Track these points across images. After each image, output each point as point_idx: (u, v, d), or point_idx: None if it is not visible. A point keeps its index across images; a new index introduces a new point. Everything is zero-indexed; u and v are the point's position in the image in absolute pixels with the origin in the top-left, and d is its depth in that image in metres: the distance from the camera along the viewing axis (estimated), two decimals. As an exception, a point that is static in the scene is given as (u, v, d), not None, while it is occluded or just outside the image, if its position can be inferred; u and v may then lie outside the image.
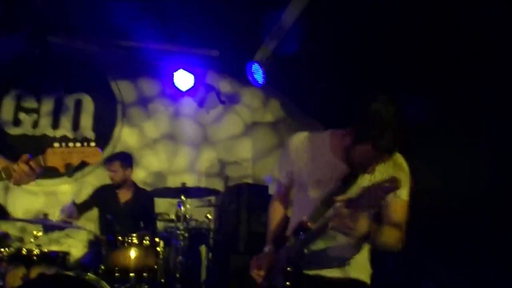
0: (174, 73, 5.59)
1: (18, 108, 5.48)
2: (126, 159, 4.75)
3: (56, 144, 2.16)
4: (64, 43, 5.45)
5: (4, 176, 2.16)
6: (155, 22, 4.98)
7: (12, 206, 4.40)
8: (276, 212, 2.56)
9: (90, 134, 5.57)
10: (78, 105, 5.63)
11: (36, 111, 5.52)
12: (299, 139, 2.39)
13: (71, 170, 2.22)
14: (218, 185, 5.57)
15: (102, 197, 4.68)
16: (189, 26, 5.15)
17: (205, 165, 5.86)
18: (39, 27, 5.15)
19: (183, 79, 5.61)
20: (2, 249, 3.81)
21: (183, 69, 5.58)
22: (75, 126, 5.59)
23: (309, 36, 4.58)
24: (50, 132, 5.50)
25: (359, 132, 2.07)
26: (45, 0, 4.69)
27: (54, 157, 2.14)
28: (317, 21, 4.39)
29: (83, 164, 2.21)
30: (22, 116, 5.47)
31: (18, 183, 2.18)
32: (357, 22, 4.09)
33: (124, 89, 5.78)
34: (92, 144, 2.19)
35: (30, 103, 5.52)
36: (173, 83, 5.65)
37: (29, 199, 5.18)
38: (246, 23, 4.84)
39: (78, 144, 2.18)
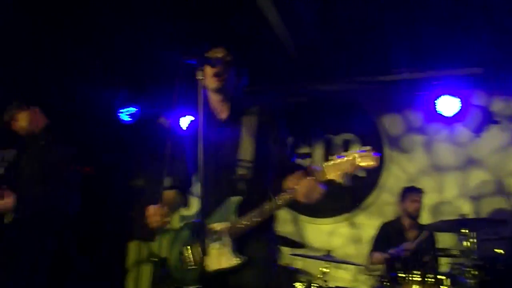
0: (436, 100, 5.35)
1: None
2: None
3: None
4: (326, 88, 5.87)
5: None
6: (411, 51, 4.95)
7: (306, 241, 4.88)
8: None
9: (361, 173, 5.73)
10: (346, 145, 5.89)
11: (310, 155, 6.04)
12: None
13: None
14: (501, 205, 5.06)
15: (389, 235, 4.68)
16: (446, 47, 4.92)
17: (477, 188, 5.33)
18: (298, 77, 5.70)
19: (447, 104, 5.32)
20: (296, 284, 4.24)
21: (445, 94, 5.31)
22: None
23: None
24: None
25: None
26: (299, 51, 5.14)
27: None
28: None
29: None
30: (298, 161, 6.06)
31: None
32: None
33: (388, 124, 5.82)
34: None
35: (304, 149, 6.07)
36: (436, 110, 5.40)
37: (318, 236, 5.65)
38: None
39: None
